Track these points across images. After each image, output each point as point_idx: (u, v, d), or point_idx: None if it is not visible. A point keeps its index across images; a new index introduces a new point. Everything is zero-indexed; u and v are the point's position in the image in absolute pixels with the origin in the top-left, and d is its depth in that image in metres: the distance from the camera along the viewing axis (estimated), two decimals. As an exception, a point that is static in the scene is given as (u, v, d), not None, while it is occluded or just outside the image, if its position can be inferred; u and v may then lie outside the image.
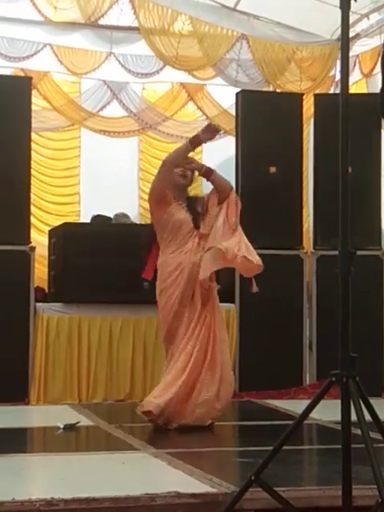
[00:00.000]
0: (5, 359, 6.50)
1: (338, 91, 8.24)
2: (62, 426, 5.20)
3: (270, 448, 2.84)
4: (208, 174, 5.44)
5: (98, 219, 7.92)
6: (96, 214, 8.03)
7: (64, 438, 5.18)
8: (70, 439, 5.22)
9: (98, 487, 3.54)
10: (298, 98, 7.73)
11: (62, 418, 5.70)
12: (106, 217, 7.96)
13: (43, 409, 6.40)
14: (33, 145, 7.33)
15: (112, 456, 4.46)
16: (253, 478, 2.78)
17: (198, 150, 9.38)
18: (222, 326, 5.47)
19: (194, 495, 3.44)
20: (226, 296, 7.06)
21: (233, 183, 7.39)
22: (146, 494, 3.40)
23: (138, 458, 4.31)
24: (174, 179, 5.37)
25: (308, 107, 8.13)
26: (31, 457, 4.60)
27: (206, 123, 5.97)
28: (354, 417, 2.73)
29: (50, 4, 8.15)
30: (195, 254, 5.31)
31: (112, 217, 7.98)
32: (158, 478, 3.88)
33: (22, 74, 8.19)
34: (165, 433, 5.07)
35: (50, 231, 7.60)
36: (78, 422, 5.30)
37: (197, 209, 5.42)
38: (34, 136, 7.51)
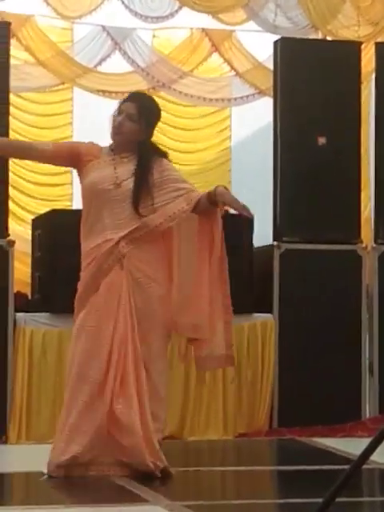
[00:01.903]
0: (-24, 385, 6.54)
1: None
2: (46, 471, 5.19)
3: (320, 500, 2.83)
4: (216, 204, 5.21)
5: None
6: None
7: (52, 486, 5.19)
8: (60, 488, 5.23)
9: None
10: (354, 47, 7.71)
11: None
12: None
13: (25, 449, 6.42)
14: (12, 109, 7.37)
15: (116, 510, 4.46)
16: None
17: (224, 115, 9.50)
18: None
19: None
20: (261, 304, 7.07)
21: (270, 158, 7.43)
22: None
23: (148, 513, 4.32)
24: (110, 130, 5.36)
25: (368, 59, 8.13)
26: (10, 511, 4.63)
27: None
28: None
29: None
30: (113, 246, 5.19)
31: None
32: (174, 539, 3.89)
33: (-3, 19, 8.23)
34: (182, 478, 5.08)
35: (33, 221, 7.62)
36: None
37: (147, 178, 5.21)
38: (13, 98, 7.57)
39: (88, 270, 5.24)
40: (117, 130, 5.28)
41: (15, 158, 6.61)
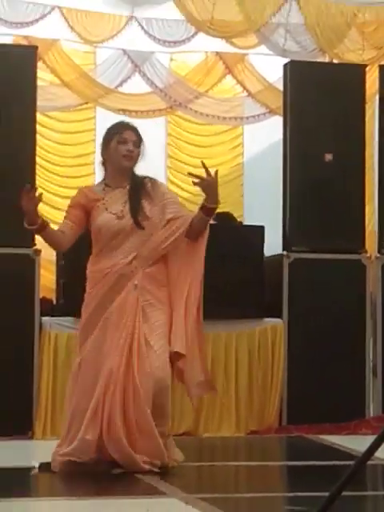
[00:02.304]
0: (5, 385, 6.54)
1: (407, 61, 8.21)
2: (37, 465, 5.18)
3: (326, 494, 2.82)
4: (211, 211, 5.12)
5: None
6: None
7: (75, 479, 5.19)
8: (82, 481, 5.23)
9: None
10: (359, 70, 7.70)
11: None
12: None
13: (50, 444, 6.41)
14: (39, 127, 7.39)
15: (133, 502, 4.47)
16: (305, 529, 2.75)
17: (237, 133, 9.49)
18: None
19: None
20: (272, 309, 7.06)
21: (280, 173, 7.42)
22: (175, 548, 3.40)
23: (165, 505, 4.31)
24: (118, 161, 5.23)
25: (372, 81, 8.11)
26: (36, 502, 4.63)
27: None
28: None
29: None
30: (126, 266, 5.15)
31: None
32: (190, 530, 3.88)
33: (25, 43, 8.25)
34: (197, 472, 5.07)
35: (59, 231, 7.63)
36: None
37: (139, 200, 5.18)
38: (39, 117, 7.58)
39: (96, 292, 5.19)
40: (130, 158, 5.22)
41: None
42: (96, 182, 8.75)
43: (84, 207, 5.28)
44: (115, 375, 4.99)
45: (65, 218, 5.40)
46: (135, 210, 5.16)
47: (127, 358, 5.01)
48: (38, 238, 7.11)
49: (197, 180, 5.03)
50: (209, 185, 5.04)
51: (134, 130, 5.33)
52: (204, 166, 5.08)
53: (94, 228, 5.27)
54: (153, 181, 5.31)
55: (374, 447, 2.82)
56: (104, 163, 5.35)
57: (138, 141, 5.27)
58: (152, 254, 5.17)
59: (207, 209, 5.10)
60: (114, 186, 5.29)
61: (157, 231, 5.16)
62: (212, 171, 5.05)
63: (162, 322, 5.11)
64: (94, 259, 5.30)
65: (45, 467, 5.16)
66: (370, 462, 3.05)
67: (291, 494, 4.73)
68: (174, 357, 5.10)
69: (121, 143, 5.23)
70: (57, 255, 7.40)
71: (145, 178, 5.31)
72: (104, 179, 5.37)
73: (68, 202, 8.70)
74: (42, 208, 8.17)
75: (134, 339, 5.04)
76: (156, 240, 5.16)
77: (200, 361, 5.24)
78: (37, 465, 5.19)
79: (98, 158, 8.74)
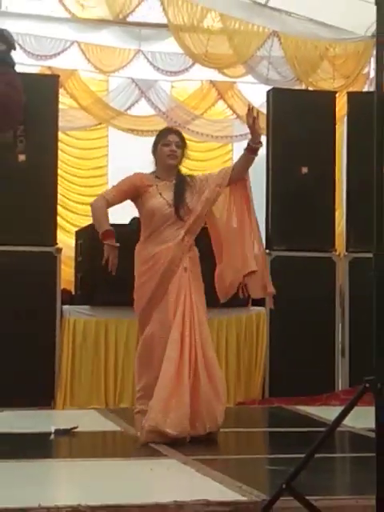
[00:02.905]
0: (31, 363, 6.53)
1: (372, 89, 8.20)
2: (53, 430, 5.17)
3: (302, 456, 2.83)
4: (255, 150, 5.19)
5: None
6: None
7: (90, 443, 5.20)
8: (97, 445, 5.24)
9: (125, 494, 3.55)
10: (330, 96, 7.72)
11: (87, 422, 5.74)
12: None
13: (69, 413, 6.42)
14: (60, 144, 7.38)
15: (140, 462, 4.47)
16: (284, 486, 2.76)
17: (227, 149, 9.46)
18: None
19: (223, 503, 3.43)
20: (256, 299, 7.06)
21: (263, 183, 7.43)
22: (175, 501, 3.39)
23: (166, 465, 4.31)
24: (164, 160, 5.22)
25: (341, 106, 8.09)
26: (57, 462, 4.64)
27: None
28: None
29: (77, 3, 8.20)
30: (176, 247, 5.10)
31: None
32: (187, 486, 3.88)
33: (49, 73, 8.23)
34: (193, 438, 5.06)
35: (76, 232, 7.63)
36: (74, 427, 5.26)
37: (184, 192, 5.18)
38: (61, 135, 7.55)
39: (152, 273, 5.11)
40: (173, 156, 5.21)
41: None
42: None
43: (136, 189, 5.19)
44: (190, 347, 4.93)
45: (114, 189, 5.25)
46: (178, 201, 5.15)
47: (191, 330, 4.99)
48: (59, 238, 7.14)
49: (250, 117, 5.09)
50: (254, 123, 5.11)
51: (178, 133, 5.35)
52: (249, 109, 5.16)
53: (146, 211, 5.18)
54: (192, 176, 5.32)
55: (342, 416, 2.83)
56: (155, 162, 5.31)
57: (181, 142, 5.26)
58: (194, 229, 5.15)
59: (252, 148, 5.16)
60: (162, 178, 5.25)
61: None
62: (255, 112, 5.16)
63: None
64: (144, 244, 5.21)
65: (62, 433, 5.17)
66: (338, 429, 3.07)
67: (272, 456, 4.75)
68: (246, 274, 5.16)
69: (165, 145, 5.23)
70: (75, 253, 7.41)
71: (187, 175, 5.32)
72: (154, 172, 5.31)
73: (84, 207, 8.81)
74: (61, 212, 8.21)
75: (194, 313, 5.02)
76: (195, 213, 5.13)
77: (264, 270, 5.33)
78: (53, 430, 5.19)
79: (111, 170, 8.86)
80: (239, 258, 5.24)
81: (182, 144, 5.29)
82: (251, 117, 5.12)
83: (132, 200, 5.31)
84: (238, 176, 5.23)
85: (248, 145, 5.22)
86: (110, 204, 5.23)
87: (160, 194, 5.18)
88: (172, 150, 5.21)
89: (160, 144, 5.26)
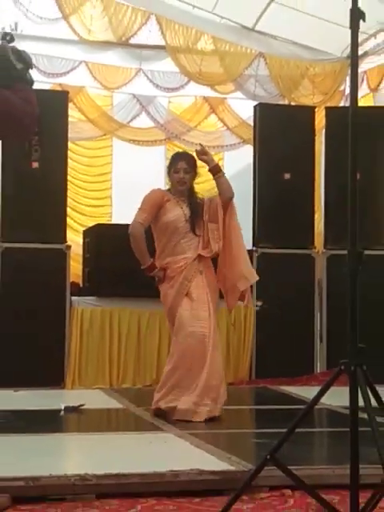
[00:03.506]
0: (43, 347, 6.54)
1: (347, 104, 8.19)
2: (63, 408, 5.16)
3: (284, 430, 2.83)
4: (216, 170, 5.20)
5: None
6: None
7: (96, 419, 5.20)
8: (102, 420, 5.24)
9: (127, 464, 3.56)
10: (310, 110, 7.72)
11: (94, 400, 5.73)
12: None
13: (77, 392, 6.42)
14: (69, 153, 7.37)
15: (140, 436, 4.47)
16: (268, 457, 2.76)
17: (219, 157, 9.45)
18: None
19: (214, 472, 3.45)
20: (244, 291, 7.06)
21: (250, 187, 7.42)
22: (171, 470, 3.41)
23: (163, 438, 4.32)
24: (174, 186, 5.20)
25: (320, 119, 8.09)
26: (66, 436, 4.65)
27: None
28: (361, 402, 2.72)
29: (84, 27, 8.17)
30: (191, 261, 5.08)
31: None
32: (182, 457, 3.88)
33: (59, 89, 8.20)
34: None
35: (84, 231, 7.63)
36: (82, 405, 5.25)
37: (198, 210, 5.17)
38: (70, 145, 7.54)
39: (173, 281, 5.07)
40: (181, 183, 5.17)
41: None
42: (113, 194, 8.79)
43: (159, 204, 5.15)
44: (210, 337, 4.94)
45: (143, 211, 5.13)
46: (194, 217, 5.13)
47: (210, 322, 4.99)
48: (68, 237, 7.12)
49: (200, 156, 5.16)
50: (204, 154, 5.17)
51: (186, 158, 5.29)
52: (198, 150, 5.21)
53: (161, 224, 5.13)
54: (202, 197, 5.29)
55: (319, 395, 2.83)
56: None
57: (189, 168, 5.19)
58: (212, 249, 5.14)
59: (212, 168, 5.18)
60: (177, 196, 5.22)
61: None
62: (198, 147, 5.27)
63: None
64: (160, 257, 5.15)
65: (70, 410, 5.16)
66: (316, 407, 3.07)
67: (258, 431, 4.76)
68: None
69: (175, 173, 5.21)
70: (83, 250, 7.40)
71: (199, 197, 5.27)
72: (169, 190, 5.28)
73: (91, 208, 8.81)
74: (70, 213, 8.19)
75: (210, 308, 5.02)
76: (214, 249, 5.13)
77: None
78: (63, 407, 5.19)
79: (115, 176, 8.86)
80: (245, 268, 5.23)
81: (192, 168, 5.22)
82: (200, 154, 5.18)
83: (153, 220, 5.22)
84: (223, 198, 5.17)
85: (209, 170, 5.24)
86: (146, 227, 5.16)
87: (181, 207, 5.17)
88: (180, 178, 5.19)
89: (171, 170, 5.25)
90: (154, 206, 5.14)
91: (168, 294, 5.11)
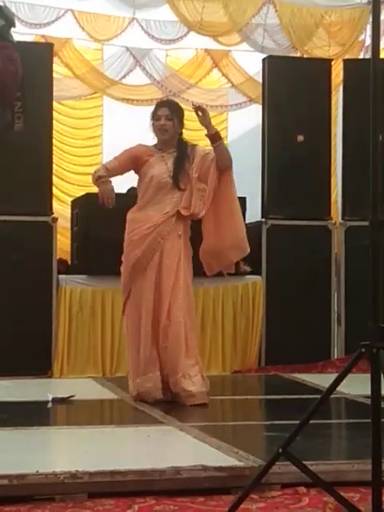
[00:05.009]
0: (28, 332, 6.55)
1: (368, 56, 8.16)
2: (50, 399, 5.21)
3: (297, 422, 2.85)
4: (215, 138, 5.25)
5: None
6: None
7: (88, 411, 5.23)
8: (94, 412, 5.27)
9: (122, 460, 3.58)
10: (326, 63, 7.68)
11: (85, 391, 5.77)
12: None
13: (67, 382, 6.45)
14: (54, 114, 7.35)
15: (137, 429, 4.50)
16: (280, 451, 2.78)
17: (222, 118, 9.44)
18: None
19: (220, 468, 3.46)
20: (253, 267, 7.08)
21: (258, 153, 7.41)
22: (172, 467, 3.42)
23: (163, 432, 4.34)
24: (156, 135, 5.31)
25: (337, 73, 8.07)
26: (55, 430, 4.66)
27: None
28: None
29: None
30: (171, 216, 5.20)
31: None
32: (184, 452, 3.91)
33: (43, 41, 8.17)
34: (189, 405, 5.09)
35: (72, 202, 7.62)
36: (71, 395, 5.28)
37: (183, 163, 5.26)
38: (55, 105, 7.53)
39: (145, 236, 5.19)
40: (162, 131, 5.27)
41: None
42: (103, 161, 8.77)
43: (136, 159, 5.28)
44: (174, 311, 5.12)
45: (115, 159, 5.33)
46: (177, 172, 5.21)
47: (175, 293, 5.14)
48: (55, 208, 7.13)
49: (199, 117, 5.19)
50: (204, 118, 5.20)
51: (169, 105, 5.38)
52: (195, 108, 5.24)
53: (146, 177, 5.25)
54: (193, 146, 5.35)
55: (337, 383, 2.84)
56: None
57: (172, 114, 5.27)
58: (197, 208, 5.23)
59: (211, 136, 5.22)
60: (164, 150, 5.31)
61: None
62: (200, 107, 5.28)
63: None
64: (139, 211, 5.29)
65: (58, 401, 5.20)
66: (333, 396, 3.09)
67: (268, 423, 4.76)
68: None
69: (156, 120, 5.29)
70: (71, 223, 7.40)
71: (188, 146, 5.34)
72: (155, 145, 5.36)
73: (79, 177, 8.80)
74: (57, 182, 8.18)
75: (179, 278, 5.15)
76: (194, 212, 5.22)
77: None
78: (50, 398, 5.22)
79: (106, 139, 8.83)
80: (239, 235, 5.32)
81: (175, 114, 5.29)
82: (199, 114, 5.22)
83: (135, 171, 5.36)
84: (219, 165, 5.24)
85: (206, 135, 5.28)
86: (111, 172, 5.27)
87: (166, 163, 5.25)
88: (161, 125, 5.26)
89: (152, 119, 5.32)
90: (130, 157, 5.27)
91: (130, 255, 5.24)
